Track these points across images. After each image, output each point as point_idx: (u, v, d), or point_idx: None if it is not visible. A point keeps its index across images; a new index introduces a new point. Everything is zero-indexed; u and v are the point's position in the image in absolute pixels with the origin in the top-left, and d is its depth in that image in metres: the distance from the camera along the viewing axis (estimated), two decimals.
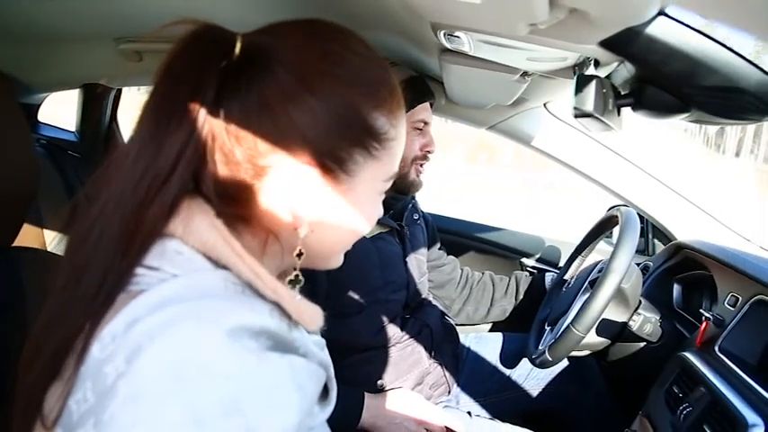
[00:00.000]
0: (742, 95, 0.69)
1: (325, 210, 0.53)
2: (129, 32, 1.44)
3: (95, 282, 0.44)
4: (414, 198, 1.42)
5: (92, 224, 0.46)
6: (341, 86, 0.50)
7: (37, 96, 2.02)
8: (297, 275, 0.56)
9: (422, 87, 1.26)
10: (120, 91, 2.00)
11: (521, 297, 1.53)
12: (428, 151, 1.27)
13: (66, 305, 0.45)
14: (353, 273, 1.13)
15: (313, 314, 0.54)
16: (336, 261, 0.62)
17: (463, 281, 1.57)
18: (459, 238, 1.89)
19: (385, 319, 1.20)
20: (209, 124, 0.47)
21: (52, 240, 1.87)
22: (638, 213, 1.65)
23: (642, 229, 1.76)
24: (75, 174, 1.99)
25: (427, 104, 1.26)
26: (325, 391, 0.56)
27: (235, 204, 0.51)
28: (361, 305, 1.16)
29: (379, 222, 1.22)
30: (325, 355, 0.58)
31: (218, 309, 0.42)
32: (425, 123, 1.25)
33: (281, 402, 0.42)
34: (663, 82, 0.75)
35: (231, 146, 0.48)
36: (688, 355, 0.97)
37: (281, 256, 0.55)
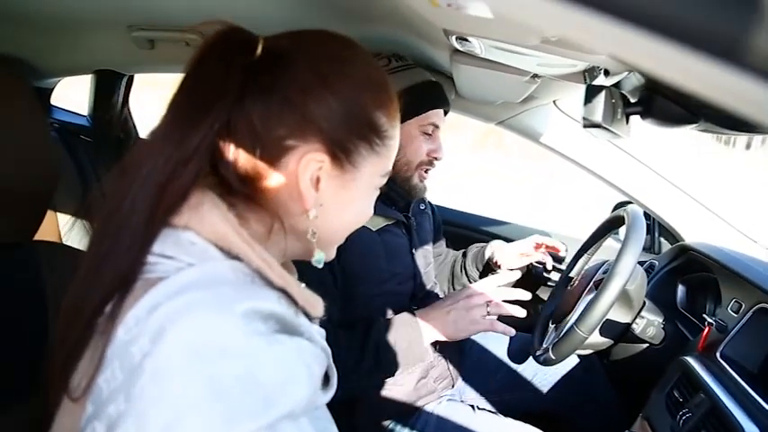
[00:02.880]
0: None
1: (330, 196, 0.58)
2: (141, 20, 1.45)
3: (125, 243, 0.49)
4: None
5: (124, 194, 0.50)
6: (353, 86, 0.57)
7: (50, 81, 2.03)
8: (319, 253, 0.62)
9: (437, 93, 1.23)
10: (132, 77, 2.01)
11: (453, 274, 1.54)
12: (435, 158, 1.25)
13: (98, 268, 0.49)
14: (359, 265, 1.14)
15: (316, 302, 0.59)
16: (330, 253, 0.66)
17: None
18: (464, 230, 1.90)
19: (392, 310, 1.21)
20: (230, 116, 0.53)
21: (66, 225, 1.89)
22: (644, 212, 1.66)
23: (648, 226, 1.76)
24: (88, 158, 2.00)
25: (440, 110, 1.23)
26: (326, 379, 0.60)
27: (251, 186, 0.56)
28: (369, 297, 1.17)
29: (385, 215, 1.22)
30: (326, 344, 0.61)
31: (231, 295, 0.46)
32: (435, 127, 1.23)
33: (293, 377, 0.46)
34: (672, 93, 0.76)
35: (252, 135, 0.54)
36: (689, 359, 0.98)
37: (285, 242, 0.61)
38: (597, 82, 0.84)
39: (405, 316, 1.11)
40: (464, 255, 1.55)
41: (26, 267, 0.80)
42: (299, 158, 0.55)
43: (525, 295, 1.10)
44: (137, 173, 0.50)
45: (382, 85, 0.60)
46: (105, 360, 0.43)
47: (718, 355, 0.95)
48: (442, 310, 1.10)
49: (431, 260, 1.41)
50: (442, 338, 1.10)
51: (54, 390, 0.48)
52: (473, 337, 1.47)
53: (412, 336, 1.08)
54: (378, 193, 0.65)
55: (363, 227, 1.18)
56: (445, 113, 1.28)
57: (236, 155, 0.55)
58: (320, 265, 0.62)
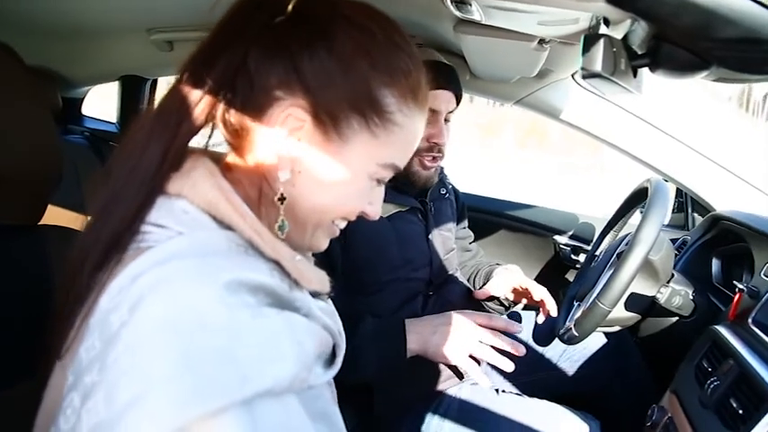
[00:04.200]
0: (762, 47, 0.65)
1: (310, 164, 0.55)
2: (159, 23, 1.48)
3: (132, 193, 0.49)
4: (442, 172, 1.40)
5: (137, 141, 0.51)
6: (359, 54, 0.53)
7: (79, 90, 2.11)
8: (283, 221, 0.57)
9: (435, 73, 1.14)
10: (155, 81, 2.06)
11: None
12: (435, 143, 1.18)
13: (97, 226, 0.49)
14: (370, 252, 1.12)
15: (312, 275, 0.56)
16: (317, 240, 0.62)
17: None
18: (490, 216, 1.86)
19: (406, 296, 1.18)
20: (237, 72, 0.53)
21: None
22: (677, 188, 1.59)
23: (681, 203, 1.69)
24: None
25: (438, 92, 1.17)
26: (333, 357, 0.58)
27: (237, 136, 0.56)
28: (381, 283, 1.15)
29: (396, 201, 1.19)
30: (333, 322, 0.59)
31: (217, 265, 0.44)
32: (433, 111, 1.16)
33: (276, 353, 0.43)
34: (677, 37, 0.71)
35: (247, 84, 0.53)
36: (720, 328, 0.93)
37: (277, 209, 0.57)
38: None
39: (393, 324, 1.05)
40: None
41: (32, 250, 0.82)
42: (281, 112, 0.53)
43: (520, 350, 1.01)
44: (148, 128, 0.52)
45: (400, 66, 0.56)
46: (88, 329, 0.43)
47: (750, 321, 0.89)
48: (431, 327, 1.03)
49: (452, 246, 1.37)
50: (422, 354, 1.03)
51: (51, 354, 0.48)
52: None
53: (393, 347, 1.02)
54: (374, 185, 0.60)
55: None
56: (458, 98, 1.22)
57: (231, 106, 0.54)
58: (282, 234, 0.57)
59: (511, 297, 1.33)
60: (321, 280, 0.58)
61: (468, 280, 1.48)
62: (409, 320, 1.06)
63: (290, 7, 0.54)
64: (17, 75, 0.78)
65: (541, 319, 1.30)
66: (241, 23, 0.53)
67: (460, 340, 1.01)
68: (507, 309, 1.39)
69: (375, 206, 0.62)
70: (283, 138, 0.54)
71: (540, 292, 1.26)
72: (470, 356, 1.01)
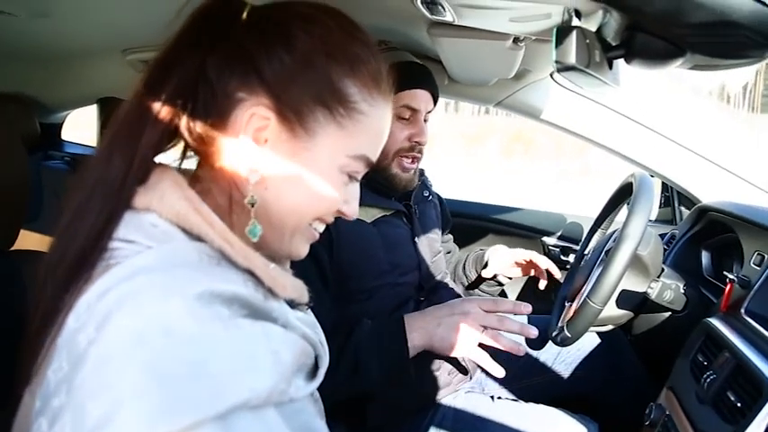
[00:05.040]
0: (736, 30, 0.63)
1: (277, 161, 0.54)
2: (134, 43, 1.47)
3: (97, 209, 0.48)
4: (424, 175, 1.39)
5: (101, 155, 0.51)
6: (316, 47, 0.54)
7: (57, 116, 2.09)
8: (254, 224, 0.55)
9: (410, 73, 1.16)
10: None
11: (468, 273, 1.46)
12: (417, 142, 1.16)
13: (73, 225, 0.48)
14: (356, 258, 1.10)
15: (287, 282, 0.55)
16: (297, 246, 0.60)
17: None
18: (477, 221, 1.85)
19: (396, 302, 1.16)
20: (197, 71, 0.53)
21: None
22: (662, 182, 1.58)
23: (668, 198, 1.68)
24: None
25: (416, 92, 1.15)
26: (316, 370, 0.57)
27: (204, 143, 0.55)
28: (369, 290, 1.12)
29: (380, 205, 1.17)
30: (314, 333, 0.58)
31: (187, 277, 0.43)
32: (412, 110, 1.15)
33: (251, 364, 0.42)
34: (650, 25, 0.70)
35: (208, 89, 0.53)
36: (713, 320, 0.91)
37: (249, 215, 0.56)
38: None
39: (391, 322, 1.02)
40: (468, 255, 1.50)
41: (7, 275, 0.80)
42: (245, 113, 0.53)
43: (533, 334, 0.98)
44: (110, 142, 0.51)
45: (359, 56, 0.56)
46: (56, 349, 0.41)
47: (742, 311, 0.88)
48: (434, 320, 1.00)
49: (438, 249, 1.35)
50: (428, 349, 0.99)
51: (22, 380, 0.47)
52: None
53: (394, 345, 0.98)
54: (347, 180, 0.59)
55: (357, 219, 1.12)
56: (435, 98, 1.21)
57: (194, 114, 0.54)
58: (254, 238, 0.55)
59: (512, 273, 1.39)
60: (297, 287, 0.57)
61: (454, 273, 1.49)
62: (409, 315, 1.03)
63: (244, 15, 0.54)
64: None
65: (543, 285, 1.36)
66: (196, 34, 0.53)
67: (468, 329, 0.97)
68: (502, 286, 1.46)
69: (351, 205, 0.61)
70: (249, 139, 0.53)
71: (545, 261, 1.34)
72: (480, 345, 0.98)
